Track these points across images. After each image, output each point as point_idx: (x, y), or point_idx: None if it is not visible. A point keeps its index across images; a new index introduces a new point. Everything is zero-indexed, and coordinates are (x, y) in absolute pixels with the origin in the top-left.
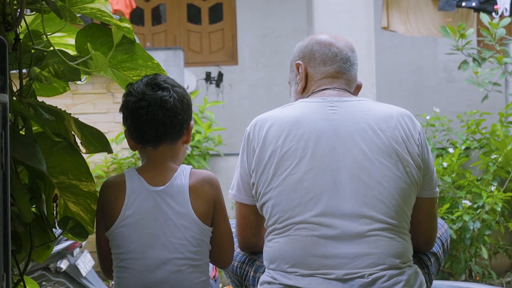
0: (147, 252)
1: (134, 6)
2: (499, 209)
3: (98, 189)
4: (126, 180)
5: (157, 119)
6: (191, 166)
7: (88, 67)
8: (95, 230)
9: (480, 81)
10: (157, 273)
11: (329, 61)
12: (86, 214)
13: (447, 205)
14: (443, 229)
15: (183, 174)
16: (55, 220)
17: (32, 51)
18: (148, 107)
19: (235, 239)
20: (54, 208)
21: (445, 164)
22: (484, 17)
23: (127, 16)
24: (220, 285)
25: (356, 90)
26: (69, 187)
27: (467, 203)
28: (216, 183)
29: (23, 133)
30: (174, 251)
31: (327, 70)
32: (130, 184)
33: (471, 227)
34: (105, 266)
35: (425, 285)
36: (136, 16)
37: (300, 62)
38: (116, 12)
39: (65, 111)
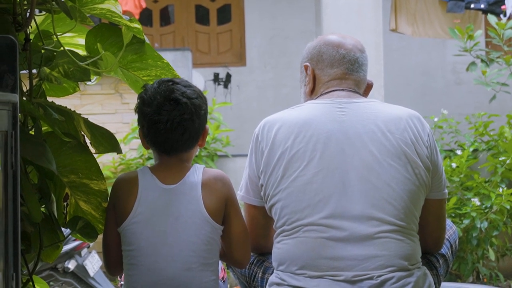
0: (158, 250)
1: (144, 6)
2: (508, 207)
3: (109, 188)
4: (139, 177)
5: (175, 137)
6: (203, 166)
7: (98, 68)
8: (105, 223)
9: (488, 81)
10: (167, 271)
11: (337, 63)
12: (97, 212)
13: (454, 199)
14: (452, 230)
15: (196, 172)
16: (65, 219)
17: (42, 51)
18: (167, 122)
19: None
20: (65, 208)
21: (454, 165)
22: (491, 18)
23: (137, 17)
24: (228, 286)
25: (366, 89)
26: (80, 186)
27: (476, 201)
28: (228, 181)
29: (33, 133)
30: (185, 249)
31: (334, 72)
32: (143, 181)
33: (478, 226)
34: (110, 262)
35: (434, 287)
36: (145, 17)
37: (308, 64)
38: (125, 12)
39: (74, 111)
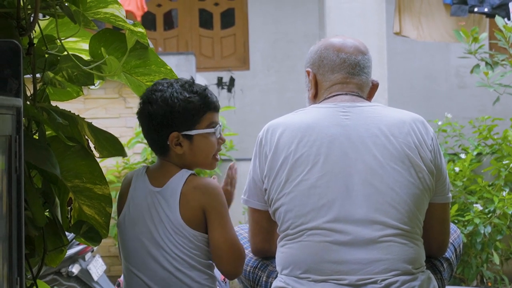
0: (147, 250)
1: (146, 9)
2: (510, 212)
3: (112, 193)
4: (134, 176)
5: (144, 133)
6: (192, 172)
7: (102, 72)
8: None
9: (491, 83)
10: (158, 271)
11: (337, 68)
12: (100, 217)
13: (456, 207)
14: (456, 234)
15: (180, 178)
16: (69, 224)
17: (46, 55)
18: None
19: (247, 244)
20: (69, 212)
21: (457, 169)
22: (499, 20)
23: (139, 18)
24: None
25: (372, 89)
26: (83, 190)
27: (478, 207)
28: (211, 191)
29: (37, 138)
30: (173, 250)
31: (335, 77)
32: (135, 182)
33: (482, 231)
34: None
35: None
36: (148, 21)
37: (309, 69)
38: (127, 13)
39: (78, 115)
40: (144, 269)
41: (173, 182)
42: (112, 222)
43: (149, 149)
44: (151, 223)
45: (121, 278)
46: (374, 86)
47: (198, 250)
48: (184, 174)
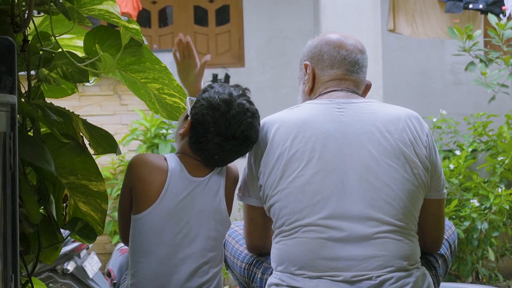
0: (180, 241)
1: (141, 8)
2: (507, 207)
3: (107, 189)
4: (169, 164)
5: (225, 159)
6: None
7: (96, 69)
8: (120, 198)
9: (488, 82)
10: (186, 263)
11: (337, 64)
12: (96, 214)
13: (455, 202)
14: (451, 230)
15: (221, 170)
16: (64, 221)
17: (41, 52)
18: (230, 151)
19: (242, 241)
20: (64, 209)
21: (451, 166)
22: (492, 17)
23: (135, 19)
24: (227, 287)
25: (365, 90)
26: (79, 187)
27: (475, 203)
28: (238, 181)
29: (32, 134)
30: (204, 243)
31: (334, 73)
32: (172, 169)
33: (479, 227)
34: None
35: (433, 287)
36: (143, 18)
37: (308, 62)
38: (124, 14)
39: (73, 112)
40: (171, 259)
41: (216, 172)
42: (107, 219)
43: (144, 146)
44: (189, 214)
45: (110, 267)
46: (367, 87)
47: (222, 240)
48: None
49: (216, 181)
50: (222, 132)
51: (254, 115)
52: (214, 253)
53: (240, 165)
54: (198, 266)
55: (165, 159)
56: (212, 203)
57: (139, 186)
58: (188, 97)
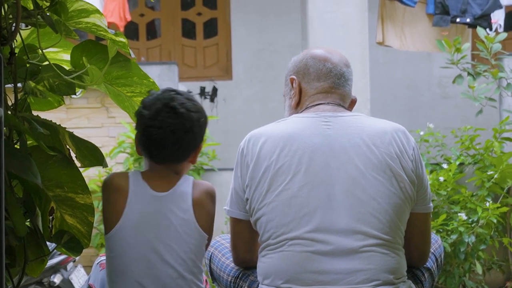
0: (148, 257)
1: (129, 19)
2: (495, 221)
3: (94, 202)
4: (130, 182)
5: (165, 143)
6: (192, 177)
7: (83, 81)
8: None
9: (475, 96)
10: (159, 279)
11: (323, 77)
12: (82, 227)
13: (443, 216)
14: (437, 244)
15: (186, 183)
16: (51, 233)
17: (27, 65)
18: (159, 129)
19: (229, 254)
20: (50, 222)
21: (441, 179)
22: (480, 31)
23: (121, 29)
24: None
25: (350, 105)
26: (65, 200)
27: (463, 216)
28: (214, 197)
29: (18, 147)
30: (175, 257)
31: (321, 86)
32: (133, 186)
33: (466, 240)
34: None
35: None
36: (131, 31)
37: (294, 77)
38: (110, 24)
39: (59, 125)
40: (151, 275)
41: (180, 186)
42: (94, 231)
43: (131, 158)
44: (154, 229)
45: (92, 282)
46: (353, 102)
47: (200, 255)
48: (188, 178)
49: (182, 193)
50: (150, 115)
51: (179, 94)
52: (189, 265)
53: (227, 177)
54: (173, 279)
55: (129, 177)
56: (178, 217)
57: (105, 206)
58: None
